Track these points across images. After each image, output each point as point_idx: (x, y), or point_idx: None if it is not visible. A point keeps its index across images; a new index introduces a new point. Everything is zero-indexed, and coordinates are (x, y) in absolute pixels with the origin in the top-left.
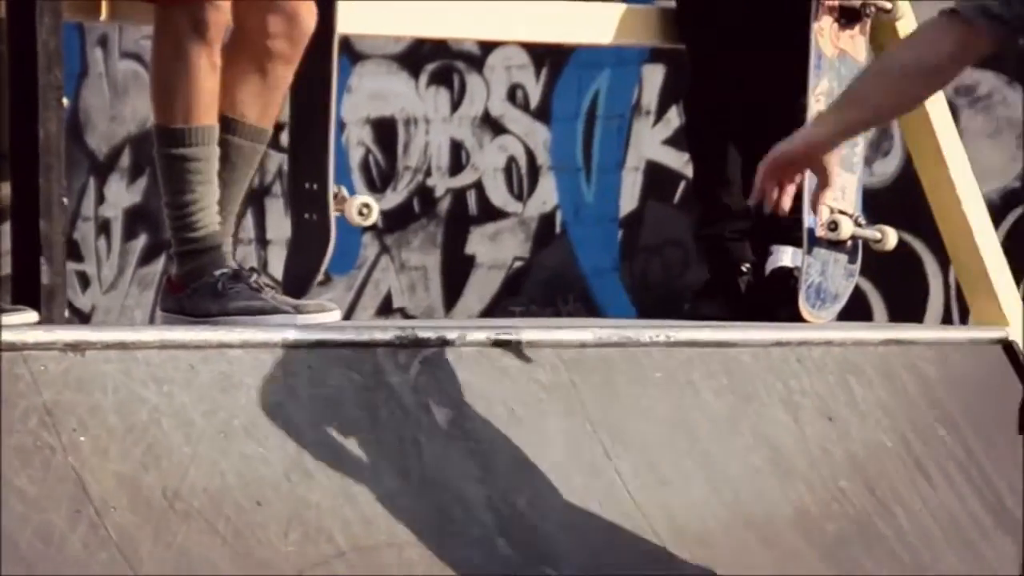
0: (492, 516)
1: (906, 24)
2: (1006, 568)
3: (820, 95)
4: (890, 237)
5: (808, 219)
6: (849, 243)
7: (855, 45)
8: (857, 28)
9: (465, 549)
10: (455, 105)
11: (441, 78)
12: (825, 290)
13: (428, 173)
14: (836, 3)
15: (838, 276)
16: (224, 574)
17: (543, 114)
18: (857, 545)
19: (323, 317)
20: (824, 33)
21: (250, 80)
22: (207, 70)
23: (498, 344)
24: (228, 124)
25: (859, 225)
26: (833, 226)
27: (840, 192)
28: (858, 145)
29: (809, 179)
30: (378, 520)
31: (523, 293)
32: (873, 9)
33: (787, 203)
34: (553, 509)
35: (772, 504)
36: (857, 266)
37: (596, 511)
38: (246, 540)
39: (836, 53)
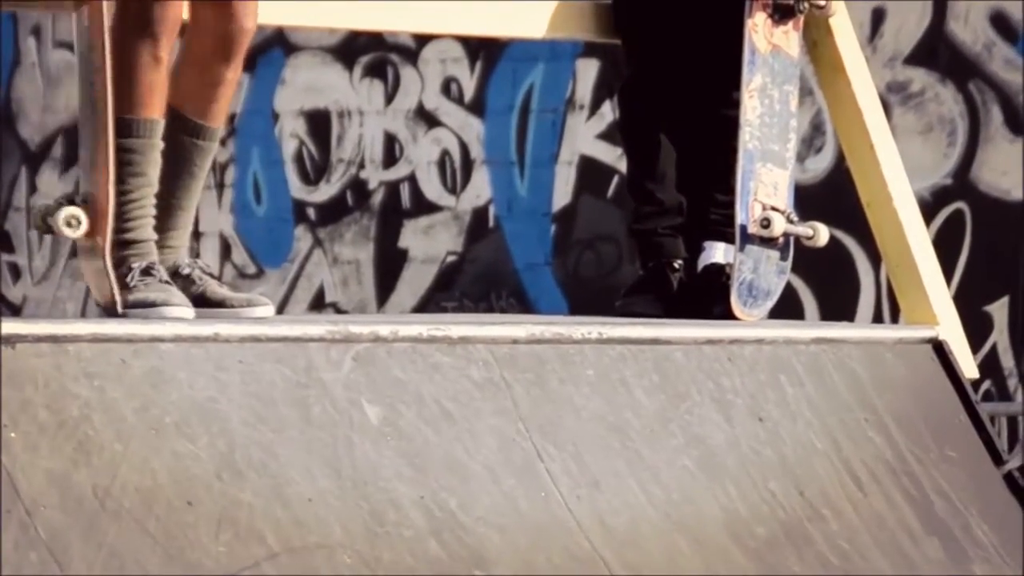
0: (423, 517)
1: (839, 20)
2: (934, 572)
3: (753, 90)
4: (822, 234)
5: (740, 215)
6: (781, 240)
7: (788, 41)
8: (791, 24)
9: (396, 551)
10: (389, 98)
11: (375, 70)
12: (757, 287)
13: (362, 166)
14: None
15: (770, 273)
16: None
17: (477, 107)
18: (787, 548)
19: (256, 311)
20: (758, 29)
21: (191, 76)
22: (148, 63)
23: (431, 340)
24: (174, 120)
25: (791, 222)
26: (765, 223)
27: (772, 188)
28: (790, 141)
29: (742, 177)
30: (309, 521)
31: (456, 287)
32: (806, 5)
33: None
34: (484, 510)
35: (702, 506)
36: (789, 263)
37: (527, 512)
38: (177, 541)
39: (770, 49)
